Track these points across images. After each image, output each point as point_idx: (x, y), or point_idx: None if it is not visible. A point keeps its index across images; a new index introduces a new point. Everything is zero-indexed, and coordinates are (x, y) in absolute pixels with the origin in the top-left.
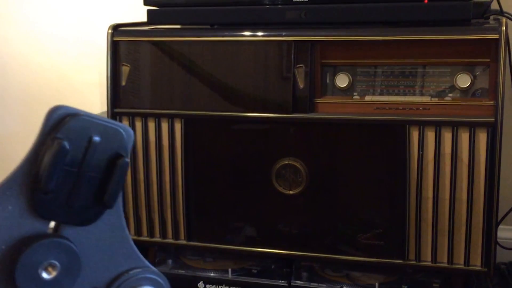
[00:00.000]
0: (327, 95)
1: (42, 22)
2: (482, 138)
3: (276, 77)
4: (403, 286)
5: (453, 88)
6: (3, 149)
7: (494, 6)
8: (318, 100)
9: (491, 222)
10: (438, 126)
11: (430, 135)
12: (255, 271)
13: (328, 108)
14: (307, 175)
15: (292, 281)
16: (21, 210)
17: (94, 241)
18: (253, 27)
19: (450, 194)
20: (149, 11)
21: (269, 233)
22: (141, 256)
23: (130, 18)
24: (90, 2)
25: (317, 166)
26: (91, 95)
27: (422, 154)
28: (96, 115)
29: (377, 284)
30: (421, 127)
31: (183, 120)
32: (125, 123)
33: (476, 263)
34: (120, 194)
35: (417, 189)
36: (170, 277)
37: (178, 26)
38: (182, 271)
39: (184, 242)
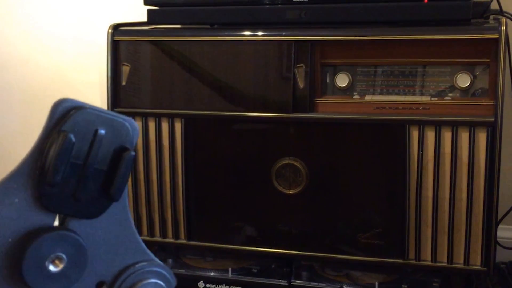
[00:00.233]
0: (327, 94)
1: (42, 22)
2: (482, 137)
3: (276, 77)
4: (403, 286)
5: (453, 87)
6: (2, 148)
7: (494, 6)
8: (318, 100)
9: (491, 221)
10: (438, 125)
11: (430, 135)
12: (255, 271)
13: (328, 108)
14: (307, 174)
15: (292, 280)
16: (28, 203)
17: (100, 234)
18: (253, 27)
19: (450, 194)
20: (149, 11)
21: (269, 233)
22: (147, 250)
23: (130, 18)
24: (90, 2)
25: (317, 166)
26: (91, 94)
27: (422, 154)
28: (101, 108)
29: (377, 283)
30: (421, 126)
31: (183, 119)
32: None
33: (476, 262)
34: (126, 188)
35: (417, 188)
36: None
37: (178, 26)
38: (182, 271)
39: (184, 241)
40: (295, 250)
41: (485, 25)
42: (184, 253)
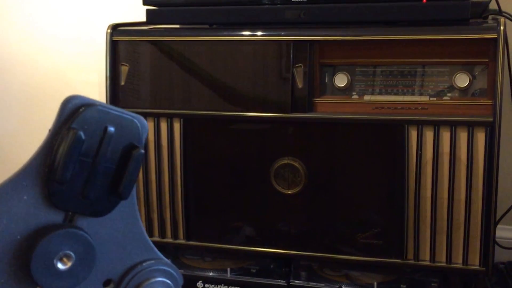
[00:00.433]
0: (326, 94)
1: (41, 22)
2: (480, 137)
3: (275, 77)
4: (401, 286)
5: (451, 87)
6: (1, 148)
7: (493, 6)
8: (317, 100)
9: (490, 221)
10: (436, 125)
11: (429, 135)
12: (254, 271)
13: (327, 108)
14: (306, 174)
15: (291, 280)
16: (36, 200)
17: (108, 232)
18: (252, 27)
19: (448, 194)
20: (148, 11)
21: (268, 233)
22: (155, 248)
23: (129, 18)
24: (89, 2)
25: (316, 166)
26: (90, 94)
27: (421, 154)
28: (111, 105)
29: (375, 283)
30: (420, 126)
31: (182, 119)
32: None
33: (475, 262)
34: (135, 186)
35: (415, 188)
36: None
37: (177, 26)
38: (181, 271)
39: (183, 241)
40: (294, 250)
41: (483, 25)
42: (183, 253)
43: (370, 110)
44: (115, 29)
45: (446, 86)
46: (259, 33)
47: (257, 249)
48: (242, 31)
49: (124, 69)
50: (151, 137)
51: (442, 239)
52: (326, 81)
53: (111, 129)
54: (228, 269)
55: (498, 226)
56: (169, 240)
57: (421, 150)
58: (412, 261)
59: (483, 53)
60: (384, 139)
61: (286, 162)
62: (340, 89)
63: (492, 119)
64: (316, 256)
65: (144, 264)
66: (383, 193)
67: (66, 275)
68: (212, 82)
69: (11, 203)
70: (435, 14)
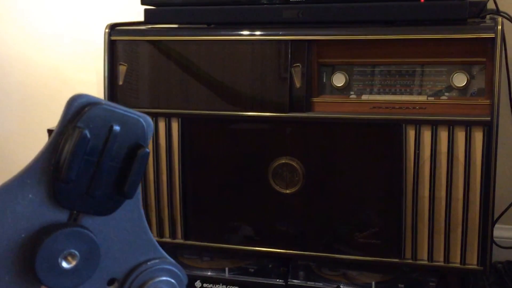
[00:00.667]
0: (324, 94)
1: (39, 22)
2: (478, 137)
3: (273, 77)
4: (399, 285)
5: (449, 87)
6: (0, 148)
7: (491, 5)
8: (315, 100)
9: (487, 220)
10: (434, 125)
11: (427, 134)
12: (252, 270)
13: (324, 108)
14: (304, 174)
15: (289, 280)
16: (41, 199)
17: (113, 231)
18: (250, 26)
19: (446, 193)
20: (146, 11)
21: (266, 232)
22: (159, 247)
23: (128, 18)
24: (88, 1)
25: (314, 165)
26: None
27: (419, 153)
28: (116, 104)
29: (373, 283)
30: (418, 126)
31: (180, 119)
32: None
33: (472, 262)
34: (139, 185)
35: (413, 188)
36: None
37: (175, 26)
38: None
39: (181, 241)
40: (292, 250)
41: (481, 24)
42: (181, 252)
43: (368, 109)
44: (113, 28)
45: (444, 86)
46: (257, 32)
47: (255, 248)
48: (240, 31)
49: (122, 68)
50: None
51: (440, 239)
52: (324, 80)
53: (117, 128)
54: (226, 269)
55: (496, 225)
56: (167, 239)
57: (419, 149)
58: (410, 261)
59: (480, 52)
60: (382, 138)
61: (284, 161)
62: (338, 88)
63: (489, 118)
64: (314, 256)
65: (148, 263)
66: (381, 192)
67: (70, 274)
68: (210, 81)
69: (16, 202)
70: (433, 13)
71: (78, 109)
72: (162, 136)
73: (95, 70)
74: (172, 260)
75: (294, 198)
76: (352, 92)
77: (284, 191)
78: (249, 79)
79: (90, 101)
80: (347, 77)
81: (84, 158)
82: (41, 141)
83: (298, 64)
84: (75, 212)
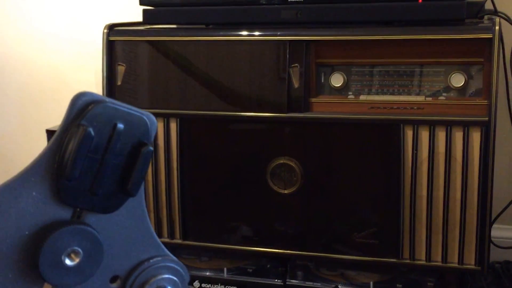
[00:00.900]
0: (322, 94)
1: (38, 22)
2: (475, 137)
3: (271, 77)
4: (397, 285)
5: (447, 87)
6: None
7: (489, 6)
8: (313, 100)
9: (485, 220)
10: (432, 125)
11: (424, 134)
12: (251, 270)
13: (323, 108)
14: (302, 174)
15: (287, 280)
16: (45, 197)
17: (116, 228)
18: (248, 26)
19: (444, 193)
20: (144, 11)
21: (264, 232)
22: (162, 245)
23: (126, 18)
24: (86, 1)
25: (312, 165)
26: None
27: (416, 153)
28: (120, 102)
29: (371, 283)
30: (415, 126)
31: (178, 119)
32: None
33: (470, 261)
34: (143, 183)
35: (411, 188)
36: None
37: (174, 26)
38: None
39: (179, 241)
40: (290, 250)
41: (479, 25)
42: (180, 252)
43: (366, 110)
44: (112, 29)
45: (441, 86)
46: (256, 33)
47: (254, 248)
48: (239, 31)
49: (121, 69)
50: None
51: (437, 239)
52: (322, 81)
53: (120, 126)
54: (225, 269)
55: (494, 225)
56: (165, 239)
57: (416, 149)
58: (408, 261)
59: (478, 53)
60: (380, 139)
61: (282, 161)
62: (336, 89)
63: (487, 118)
64: (312, 256)
65: (151, 261)
66: (379, 192)
67: (73, 271)
68: (208, 82)
69: (20, 199)
70: (431, 14)
71: (82, 107)
72: (160, 136)
73: (94, 70)
74: (174, 258)
75: (292, 198)
76: (350, 93)
77: (282, 191)
78: (247, 79)
79: (94, 99)
80: (345, 77)
81: (88, 156)
82: (40, 141)
83: (296, 65)
84: (78, 209)
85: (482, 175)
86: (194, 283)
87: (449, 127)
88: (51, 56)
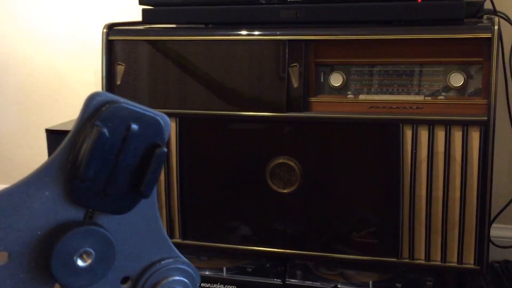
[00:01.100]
0: (321, 94)
1: (38, 21)
2: (475, 136)
3: (270, 76)
4: (397, 284)
5: (446, 87)
6: None
7: (488, 5)
8: (312, 99)
9: (484, 220)
10: (431, 125)
11: (424, 134)
12: (250, 270)
13: (322, 107)
14: (301, 173)
15: (286, 279)
16: (58, 197)
17: (128, 230)
18: (248, 26)
19: (443, 193)
20: (144, 11)
21: (264, 232)
22: (173, 246)
23: (126, 18)
24: (85, 1)
25: (311, 165)
26: (87, 94)
27: (416, 153)
28: (134, 102)
29: (371, 282)
30: (415, 126)
31: (177, 119)
32: None
33: (469, 261)
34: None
35: (410, 187)
36: None
37: (173, 26)
38: None
39: (179, 240)
40: (289, 249)
41: (478, 24)
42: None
43: (365, 109)
44: (111, 28)
45: (441, 86)
46: (255, 32)
47: (253, 248)
48: (238, 31)
49: (120, 68)
50: None
51: (437, 238)
52: (322, 80)
53: (135, 126)
54: (224, 268)
55: (493, 225)
56: None
57: (416, 149)
58: (407, 260)
59: (477, 52)
60: (379, 138)
61: (281, 161)
62: (335, 88)
63: (486, 118)
64: (311, 255)
65: (162, 262)
66: (378, 192)
67: (85, 272)
68: (207, 81)
69: (33, 199)
70: (430, 13)
71: (97, 107)
72: None
73: (93, 70)
74: (185, 259)
75: (292, 197)
76: (349, 92)
77: (282, 191)
78: (246, 79)
79: (108, 99)
80: (345, 77)
81: (102, 157)
82: (39, 140)
83: (295, 64)
84: (90, 210)
85: (481, 174)
86: None
87: (448, 126)
88: (51, 55)
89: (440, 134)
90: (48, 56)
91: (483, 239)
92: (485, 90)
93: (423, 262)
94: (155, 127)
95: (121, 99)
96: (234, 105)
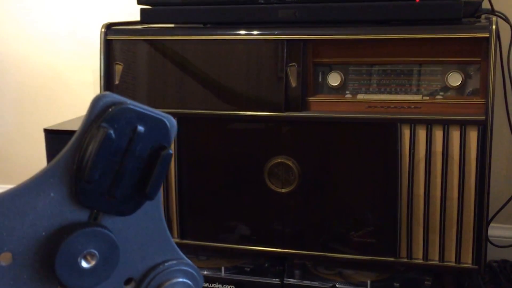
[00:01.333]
0: (320, 93)
1: (36, 21)
2: (473, 136)
3: (268, 76)
4: (395, 284)
5: (444, 86)
6: None
7: (486, 5)
8: (311, 99)
9: (482, 219)
10: (429, 124)
11: (422, 134)
12: (248, 269)
13: (320, 107)
14: (300, 173)
15: (285, 279)
16: (63, 198)
17: (132, 231)
18: (246, 26)
19: (441, 192)
20: (142, 10)
21: (262, 231)
22: (177, 248)
23: (125, 17)
24: (84, 1)
25: (309, 165)
26: (85, 94)
27: (414, 152)
28: (140, 104)
29: (369, 281)
30: (413, 125)
31: (176, 118)
32: None
33: (467, 260)
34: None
35: (408, 187)
36: None
37: (171, 25)
38: None
39: (177, 240)
40: (288, 249)
41: (476, 24)
42: None
43: (363, 109)
44: (109, 28)
45: (439, 85)
46: (253, 32)
47: (251, 247)
48: (236, 30)
49: (118, 68)
50: None
51: (435, 238)
52: (320, 80)
53: (141, 128)
54: (222, 268)
55: (491, 224)
56: None
57: (413, 149)
58: (405, 260)
59: (475, 52)
60: (377, 138)
61: (279, 160)
62: (333, 88)
63: (484, 117)
64: (310, 255)
65: (166, 264)
66: (376, 191)
67: (89, 274)
68: (206, 81)
69: (38, 200)
70: (428, 13)
71: (103, 108)
72: None
73: (91, 70)
74: (189, 261)
75: (290, 197)
76: (347, 92)
77: (280, 190)
78: (245, 79)
79: (115, 101)
80: (343, 77)
81: (107, 158)
82: (38, 140)
83: (293, 64)
84: (95, 211)
85: (479, 174)
86: None
87: (446, 126)
88: (49, 55)
89: (438, 134)
90: (46, 56)
91: (481, 239)
92: (483, 90)
93: (421, 261)
94: (161, 128)
95: (128, 101)
96: (232, 104)
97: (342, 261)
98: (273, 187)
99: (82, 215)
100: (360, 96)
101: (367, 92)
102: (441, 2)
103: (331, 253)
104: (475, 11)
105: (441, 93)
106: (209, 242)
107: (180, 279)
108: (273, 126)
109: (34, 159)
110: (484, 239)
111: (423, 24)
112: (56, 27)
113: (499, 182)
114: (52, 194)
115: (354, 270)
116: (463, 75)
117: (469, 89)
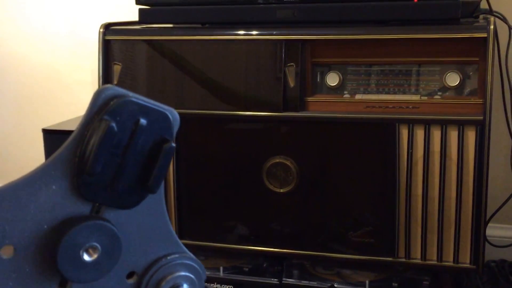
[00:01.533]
0: (318, 94)
1: (35, 21)
2: (471, 136)
3: (267, 76)
4: (393, 284)
5: (442, 86)
6: None
7: (484, 5)
8: (309, 99)
9: (480, 219)
10: (427, 124)
11: (420, 134)
12: (247, 269)
13: (318, 107)
14: (298, 173)
15: (283, 279)
16: (65, 191)
17: (134, 225)
18: (244, 26)
19: (439, 192)
20: (141, 10)
21: (261, 231)
22: (180, 242)
23: (123, 17)
24: (82, 1)
25: (308, 165)
26: (83, 94)
27: (412, 152)
28: (143, 97)
29: (367, 281)
30: (411, 125)
31: None
32: None
33: (465, 260)
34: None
35: (406, 187)
36: None
37: (170, 25)
38: None
39: None
40: (286, 249)
41: (474, 24)
42: None
43: (361, 109)
44: (108, 28)
45: (437, 85)
46: (251, 32)
47: (250, 247)
48: (235, 30)
49: (117, 68)
50: None
51: (433, 237)
52: (318, 80)
53: (143, 121)
54: (221, 268)
55: (490, 224)
56: None
57: (412, 149)
58: (403, 259)
59: (473, 52)
60: (376, 138)
61: (278, 160)
62: (332, 88)
63: (482, 117)
64: (308, 255)
65: (168, 257)
66: (375, 191)
67: (91, 267)
68: (204, 81)
69: (40, 193)
70: (426, 13)
71: (105, 101)
72: None
73: (90, 70)
74: (192, 255)
75: (288, 197)
76: (346, 92)
77: (278, 190)
78: (243, 79)
79: (117, 94)
80: (341, 77)
81: (110, 151)
82: (36, 140)
83: (292, 64)
84: (97, 204)
85: (477, 174)
86: None
87: (444, 126)
88: (48, 55)
89: (436, 134)
90: (45, 55)
91: (479, 239)
92: (481, 90)
93: (419, 261)
94: (164, 122)
95: (130, 93)
96: (230, 104)
97: (341, 261)
98: (271, 187)
99: (84, 208)
100: (358, 96)
101: (365, 92)
102: (439, 2)
103: (330, 253)
104: (473, 11)
105: (439, 93)
106: (208, 242)
107: (183, 273)
108: (272, 126)
109: (32, 159)
110: (482, 239)
111: (421, 24)
112: (54, 27)
113: (497, 182)
114: (54, 187)
115: (353, 270)
116: (461, 75)
117: (467, 89)
